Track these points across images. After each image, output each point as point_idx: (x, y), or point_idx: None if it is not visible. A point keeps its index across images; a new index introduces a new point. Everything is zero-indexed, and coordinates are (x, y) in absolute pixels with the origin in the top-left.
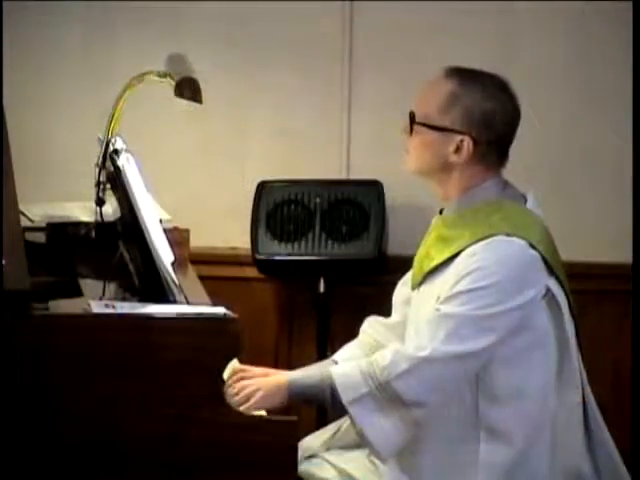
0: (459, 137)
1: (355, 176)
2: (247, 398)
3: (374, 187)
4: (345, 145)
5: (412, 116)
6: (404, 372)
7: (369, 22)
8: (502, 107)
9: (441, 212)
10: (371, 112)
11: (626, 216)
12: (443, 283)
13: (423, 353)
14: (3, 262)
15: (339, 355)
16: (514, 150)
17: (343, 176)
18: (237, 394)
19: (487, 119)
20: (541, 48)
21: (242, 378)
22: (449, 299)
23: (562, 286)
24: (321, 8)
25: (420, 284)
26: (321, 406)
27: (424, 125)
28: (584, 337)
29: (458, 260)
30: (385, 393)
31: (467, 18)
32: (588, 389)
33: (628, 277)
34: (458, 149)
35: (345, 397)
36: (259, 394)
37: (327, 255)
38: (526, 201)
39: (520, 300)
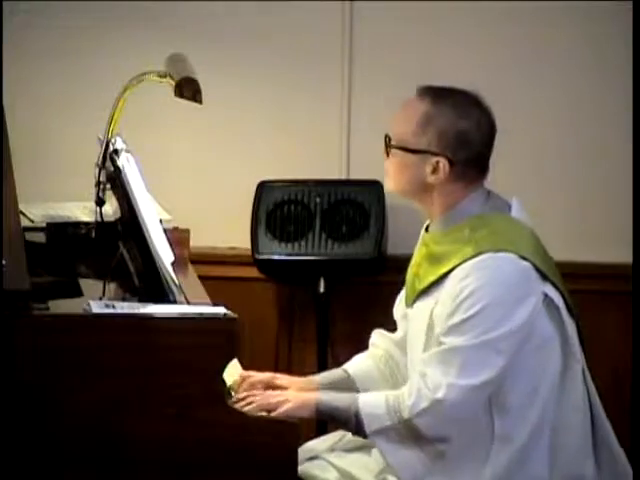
0: (434, 158)
1: (355, 176)
2: (276, 406)
3: (374, 187)
4: (345, 145)
5: (388, 139)
6: (423, 411)
7: (369, 22)
8: (476, 124)
9: (427, 229)
10: (371, 112)
11: (626, 216)
12: (436, 302)
13: (440, 394)
14: (3, 262)
15: (350, 365)
16: (515, 150)
17: (343, 176)
18: (252, 401)
19: (462, 139)
20: (541, 48)
21: (251, 384)
22: (451, 331)
23: (558, 289)
24: (321, 8)
25: (413, 302)
26: (344, 429)
27: (400, 148)
28: (584, 337)
29: (450, 280)
30: (408, 429)
31: (467, 18)
32: (593, 389)
33: (628, 277)
34: (435, 170)
35: (369, 427)
36: (288, 405)
37: (327, 255)
38: (510, 209)
39: (521, 314)
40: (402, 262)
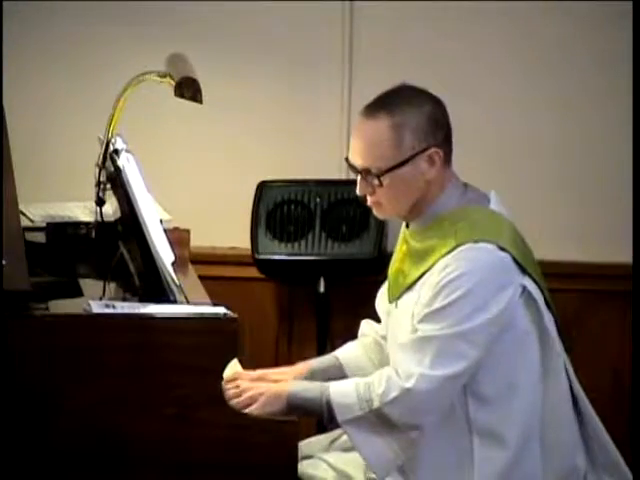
0: (425, 154)
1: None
2: (250, 401)
3: None
4: (345, 145)
5: (367, 172)
6: (394, 399)
7: (369, 22)
8: (433, 105)
9: (407, 225)
10: None
11: (626, 216)
12: (418, 298)
13: (410, 382)
14: (3, 262)
15: (341, 352)
16: (515, 149)
17: (343, 176)
18: (239, 395)
19: (433, 122)
20: (540, 48)
21: (240, 380)
22: (427, 318)
23: (537, 283)
24: (321, 8)
25: (397, 298)
26: (319, 419)
27: (390, 169)
28: (584, 337)
29: (431, 275)
30: (379, 418)
31: (467, 18)
32: (577, 384)
33: (628, 277)
34: (431, 162)
35: (340, 416)
36: (261, 399)
37: (327, 255)
38: (489, 202)
39: (497, 305)
40: None
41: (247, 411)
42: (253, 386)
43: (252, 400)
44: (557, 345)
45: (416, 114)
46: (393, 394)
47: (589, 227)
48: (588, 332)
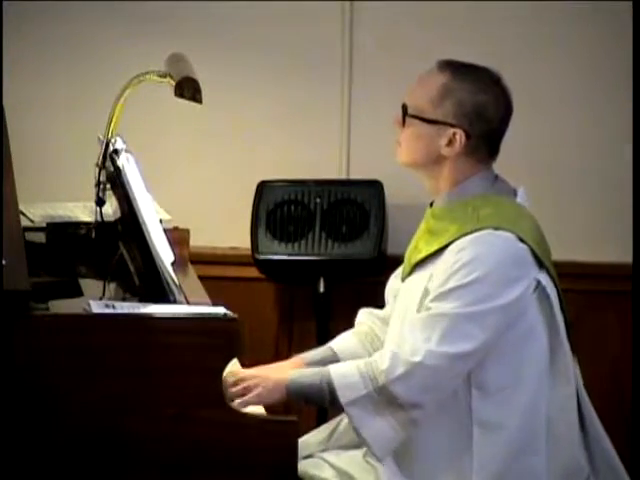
0: (451, 130)
1: (355, 176)
2: (245, 391)
3: (374, 187)
4: (345, 145)
5: (405, 108)
6: (400, 375)
7: (369, 22)
8: (494, 100)
9: (431, 205)
10: (371, 112)
11: (626, 216)
12: (430, 276)
13: (418, 357)
14: (3, 262)
15: (335, 342)
16: (515, 148)
17: (343, 176)
18: (242, 395)
19: (479, 112)
20: (541, 45)
21: (239, 379)
22: (440, 297)
23: (553, 280)
24: (321, 8)
25: (408, 275)
26: (320, 405)
27: (416, 117)
28: (584, 337)
29: (446, 254)
30: (383, 395)
31: (467, 18)
32: (581, 386)
33: (628, 277)
34: (450, 142)
35: (343, 398)
36: (258, 389)
37: (327, 255)
38: (516, 195)
39: (511, 294)
40: (402, 262)
41: (243, 400)
42: (248, 376)
43: (247, 390)
44: (565, 344)
45: (470, 93)
46: (400, 370)
47: (589, 227)
48: (588, 332)
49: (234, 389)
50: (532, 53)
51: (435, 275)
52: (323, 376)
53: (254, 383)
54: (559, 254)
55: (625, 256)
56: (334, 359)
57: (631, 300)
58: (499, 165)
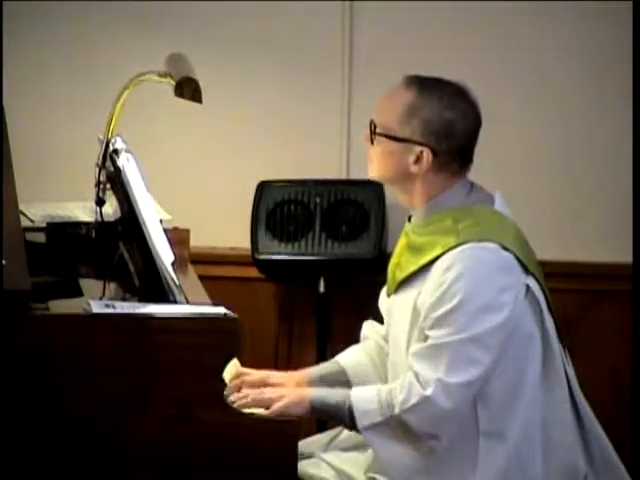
0: (419, 148)
1: (355, 176)
2: (270, 402)
3: (374, 187)
4: (345, 145)
5: (373, 125)
6: (412, 407)
7: (369, 22)
8: (462, 116)
9: (409, 219)
10: (371, 112)
11: (626, 216)
12: (419, 292)
13: (429, 391)
14: (3, 262)
15: (342, 357)
16: (515, 148)
17: (343, 176)
18: (244, 395)
19: (446, 129)
20: (541, 46)
21: (243, 382)
22: (435, 324)
23: (539, 284)
24: (321, 8)
25: (395, 292)
26: (340, 425)
27: (384, 136)
28: (584, 337)
29: (432, 271)
30: (399, 424)
31: (467, 17)
32: (576, 386)
33: (628, 277)
34: (418, 160)
35: (360, 423)
36: (284, 401)
37: (327, 255)
38: (494, 202)
39: (505, 307)
40: None
41: (268, 412)
42: (272, 390)
43: (273, 401)
44: (556, 347)
45: (436, 111)
46: (412, 401)
47: (589, 227)
48: (588, 332)
49: (254, 397)
50: (532, 52)
51: (424, 292)
52: (346, 398)
53: (279, 395)
54: (559, 254)
55: (625, 256)
56: (341, 374)
57: (631, 300)
58: (499, 165)
